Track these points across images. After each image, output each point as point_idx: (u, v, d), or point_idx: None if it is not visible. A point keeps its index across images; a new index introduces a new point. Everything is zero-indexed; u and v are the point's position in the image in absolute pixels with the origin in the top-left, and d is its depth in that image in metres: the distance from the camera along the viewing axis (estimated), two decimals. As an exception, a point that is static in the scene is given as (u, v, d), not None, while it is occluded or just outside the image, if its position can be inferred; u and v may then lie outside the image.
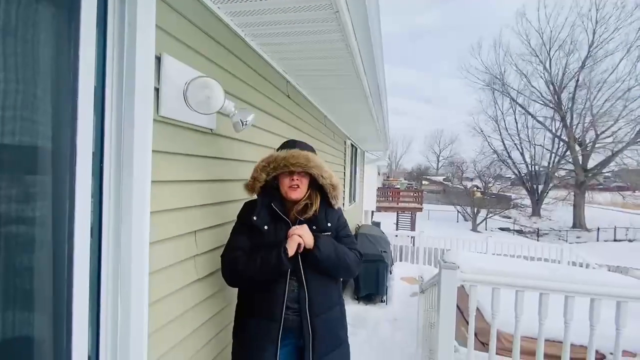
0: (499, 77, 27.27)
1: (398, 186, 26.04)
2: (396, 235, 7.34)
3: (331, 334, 1.30)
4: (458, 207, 26.41)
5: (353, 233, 6.13)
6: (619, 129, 22.01)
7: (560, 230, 22.31)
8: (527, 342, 2.06)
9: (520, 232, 22.81)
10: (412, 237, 8.02)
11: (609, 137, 22.61)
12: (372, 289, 4.61)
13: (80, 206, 0.84)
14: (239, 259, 1.25)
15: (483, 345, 2.32)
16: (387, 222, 17.53)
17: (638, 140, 20.94)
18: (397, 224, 18.95)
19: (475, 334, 2.41)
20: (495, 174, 28.58)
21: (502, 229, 23.63)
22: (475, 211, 24.29)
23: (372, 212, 11.83)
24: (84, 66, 0.83)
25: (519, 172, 27.87)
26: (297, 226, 1.27)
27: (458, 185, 30.20)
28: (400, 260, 7.19)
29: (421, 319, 3.13)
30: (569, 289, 1.74)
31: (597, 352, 1.96)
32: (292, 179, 1.32)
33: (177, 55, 1.13)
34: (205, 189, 1.36)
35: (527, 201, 27.53)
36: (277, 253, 1.20)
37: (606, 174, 26.46)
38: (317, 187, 1.38)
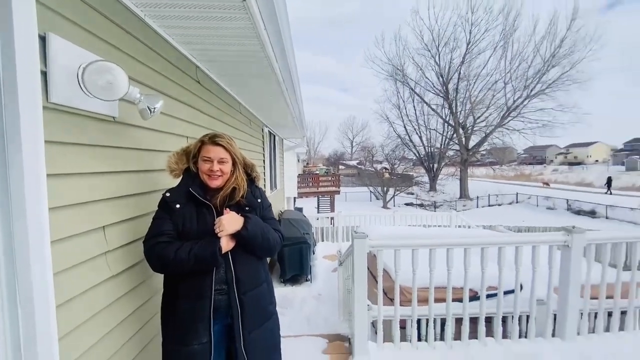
0: (399, 68, 30.33)
1: (317, 172, 27.01)
2: (317, 218, 7.75)
3: (259, 309, 1.37)
4: (370, 188, 28.97)
5: (277, 219, 6.21)
6: (489, 115, 27.44)
7: (451, 201, 26.62)
8: (423, 292, 2.50)
9: (421, 205, 26.40)
10: (331, 218, 8.55)
11: (482, 121, 27.91)
12: (297, 270, 4.83)
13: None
14: (163, 244, 1.23)
15: (391, 300, 2.72)
16: (309, 206, 18.18)
17: (502, 124, 26.58)
18: (318, 208, 19.82)
19: (385, 292, 2.81)
20: (400, 156, 32.18)
21: (407, 204, 26.99)
22: (385, 190, 27.01)
23: (295, 198, 12.09)
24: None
25: (419, 153, 31.97)
26: (223, 217, 1.28)
27: (370, 168, 32.94)
28: (323, 241, 7.64)
29: (341, 288, 3.47)
30: (448, 243, 2.19)
31: (470, 290, 2.52)
32: (212, 170, 1.32)
33: (67, 36, 1.02)
34: (113, 181, 1.27)
35: (426, 178, 31.85)
36: (212, 252, 1.22)
37: (482, 152, 32.36)
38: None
